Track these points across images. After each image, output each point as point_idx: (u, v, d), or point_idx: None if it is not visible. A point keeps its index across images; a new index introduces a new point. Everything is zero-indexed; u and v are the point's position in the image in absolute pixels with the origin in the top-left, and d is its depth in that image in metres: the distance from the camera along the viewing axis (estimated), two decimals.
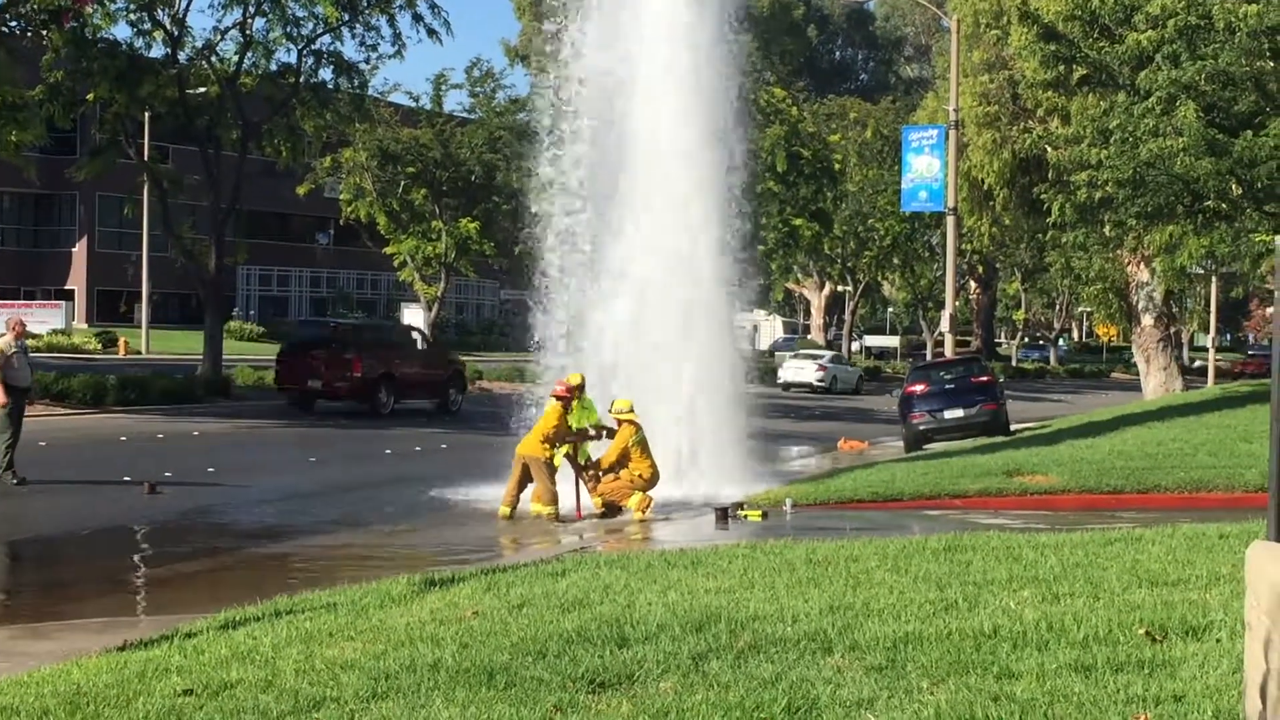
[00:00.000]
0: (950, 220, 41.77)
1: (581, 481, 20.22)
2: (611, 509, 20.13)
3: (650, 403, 22.13)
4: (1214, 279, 64.18)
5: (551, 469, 19.78)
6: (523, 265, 24.89)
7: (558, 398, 20.30)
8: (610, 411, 20.59)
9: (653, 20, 24.37)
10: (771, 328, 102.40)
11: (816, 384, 61.52)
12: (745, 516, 18.91)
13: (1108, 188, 28.78)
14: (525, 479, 19.79)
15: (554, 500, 19.64)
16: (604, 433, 20.70)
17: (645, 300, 23.96)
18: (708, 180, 24.46)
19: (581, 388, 20.68)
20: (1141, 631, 8.22)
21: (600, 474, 20.23)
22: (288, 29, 41.20)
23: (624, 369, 23.40)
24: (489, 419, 22.95)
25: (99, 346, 57.80)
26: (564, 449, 19.98)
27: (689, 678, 7.63)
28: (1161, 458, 23.61)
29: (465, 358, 61.19)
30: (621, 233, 24.11)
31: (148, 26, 40.08)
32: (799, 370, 62.73)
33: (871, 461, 28.30)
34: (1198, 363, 67.88)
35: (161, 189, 43.00)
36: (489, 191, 55.24)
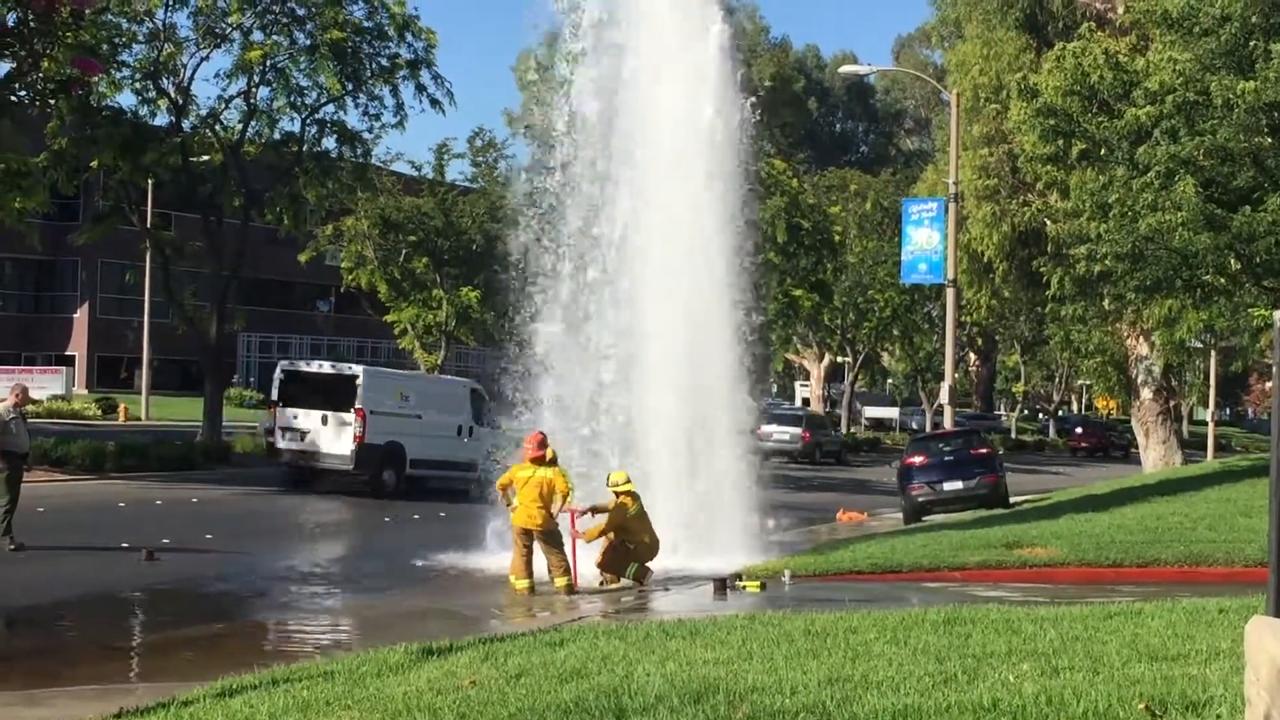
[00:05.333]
0: (950, 292, 41.89)
1: (578, 551, 20.12)
2: (610, 579, 20.06)
3: (649, 471, 22.08)
4: (1213, 353, 64.24)
5: (558, 537, 19.62)
6: (521, 332, 24.66)
7: (535, 460, 19.71)
8: (607, 485, 20.43)
9: (666, 99, 24.42)
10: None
11: None
12: (744, 587, 18.83)
13: (1106, 261, 28.86)
14: (531, 550, 19.51)
15: (570, 570, 19.48)
16: (595, 513, 20.43)
17: (645, 366, 23.91)
18: (716, 244, 24.44)
19: (551, 458, 20.08)
20: (1141, 706, 8.17)
21: (600, 543, 20.16)
22: (291, 98, 41.42)
23: (620, 437, 23.34)
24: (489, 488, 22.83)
25: (99, 412, 57.71)
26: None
27: None
28: (1161, 531, 23.56)
29: None
30: (623, 298, 24.08)
31: (152, 95, 40.30)
32: None
33: (870, 533, 28.23)
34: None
35: (164, 256, 43.17)
36: (490, 260, 55.44)
